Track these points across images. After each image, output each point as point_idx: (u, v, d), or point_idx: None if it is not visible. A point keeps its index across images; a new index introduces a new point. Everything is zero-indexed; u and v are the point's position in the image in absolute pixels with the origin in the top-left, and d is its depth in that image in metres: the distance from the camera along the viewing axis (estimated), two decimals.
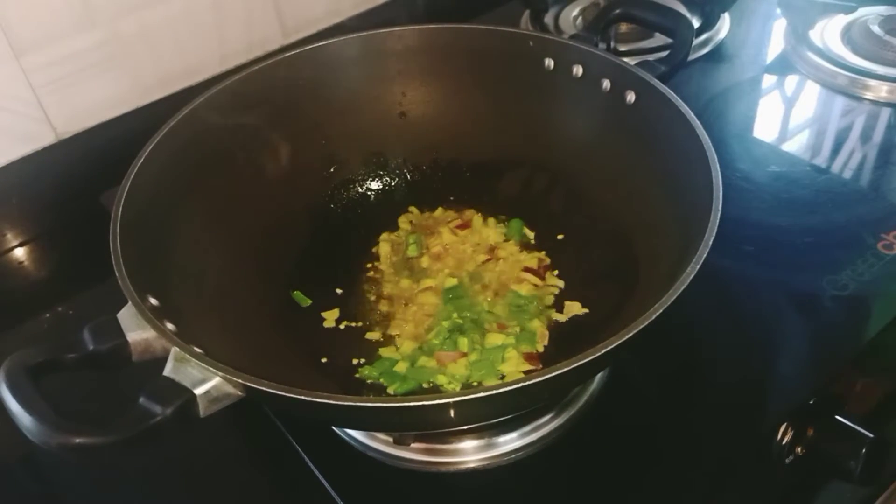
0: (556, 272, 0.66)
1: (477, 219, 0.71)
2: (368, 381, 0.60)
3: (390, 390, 0.59)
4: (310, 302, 0.65)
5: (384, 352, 0.61)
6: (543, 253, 0.68)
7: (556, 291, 0.65)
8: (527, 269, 0.66)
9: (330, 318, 0.64)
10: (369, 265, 0.69)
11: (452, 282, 0.66)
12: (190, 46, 0.83)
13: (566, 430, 0.57)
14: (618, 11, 0.72)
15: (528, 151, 0.72)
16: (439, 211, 0.73)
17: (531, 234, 0.70)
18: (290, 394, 0.42)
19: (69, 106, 0.78)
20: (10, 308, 0.74)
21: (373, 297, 0.66)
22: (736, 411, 0.58)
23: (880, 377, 0.68)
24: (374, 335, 0.63)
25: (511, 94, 0.71)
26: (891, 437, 0.57)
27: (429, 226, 0.72)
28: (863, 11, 0.93)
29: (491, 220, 0.71)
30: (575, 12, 1.00)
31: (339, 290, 0.67)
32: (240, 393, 0.45)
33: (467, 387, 0.58)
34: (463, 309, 0.63)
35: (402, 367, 0.60)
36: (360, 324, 0.64)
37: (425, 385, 0.59)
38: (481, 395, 0.42)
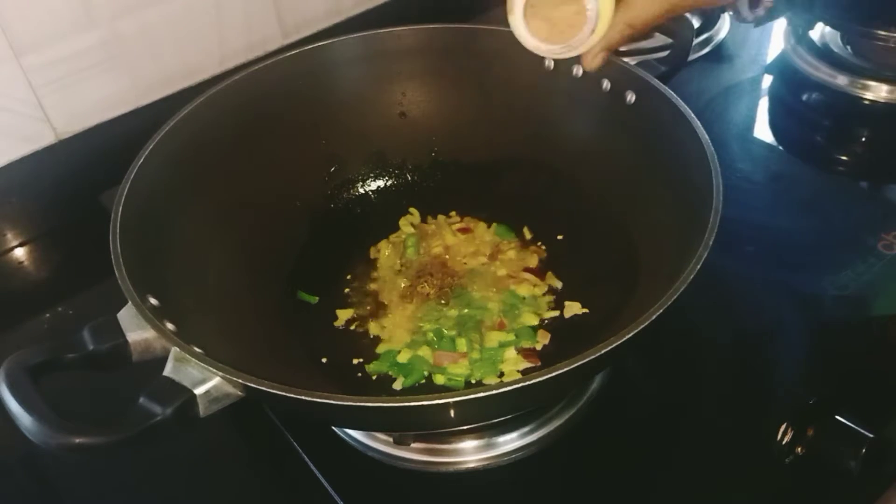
0: (556, 272, 0.66)
1: (480, 226, 0.71)
2: (374, 377, 0.60)
3: (397, 384, 0.59)
4: (317, 300, 0.66)
5: (383, 347, 0.62)
6: (543, 252, 0.68)
7: (556, 291, 0.65)
8: (526, 270, 0.67)
9: (342, 316, 0.65)
10: (369, 265, 0.69)
11: (451, 282, 0.66)
12: (190, 46, 0.83)
13: (566, 430, 0.57)
14: None
15: (528, 151, 0.72)
16: (441, 219, 0.73)
17: (531, 235, 0.70)
18: (290, 394, 0.43)
19: (69, 106, 0.78)
20: (10, 308, 0.74)
21: (372, 297, 0.66)
22: (736, 411, 0.58)
23: (880, 377, 0.68)
24: (373, 334, 0.63)
25: (511, 94, 0.71)
26: (891, 437, 0.57)
27: (430, 227, 0.72)
28: None
29: (493, 224, 0.71)
30: None
31: (339, 290, 0.67)
32: (240, 393, 0.45)
33: (468, 385, 0.59)
34: (462, 308, 0.63)
35: (404, 357, 0.60)
36: (359, 324, 0.64)
37: (428, 375, 0.59)
38: (481, 395, 0.42)
